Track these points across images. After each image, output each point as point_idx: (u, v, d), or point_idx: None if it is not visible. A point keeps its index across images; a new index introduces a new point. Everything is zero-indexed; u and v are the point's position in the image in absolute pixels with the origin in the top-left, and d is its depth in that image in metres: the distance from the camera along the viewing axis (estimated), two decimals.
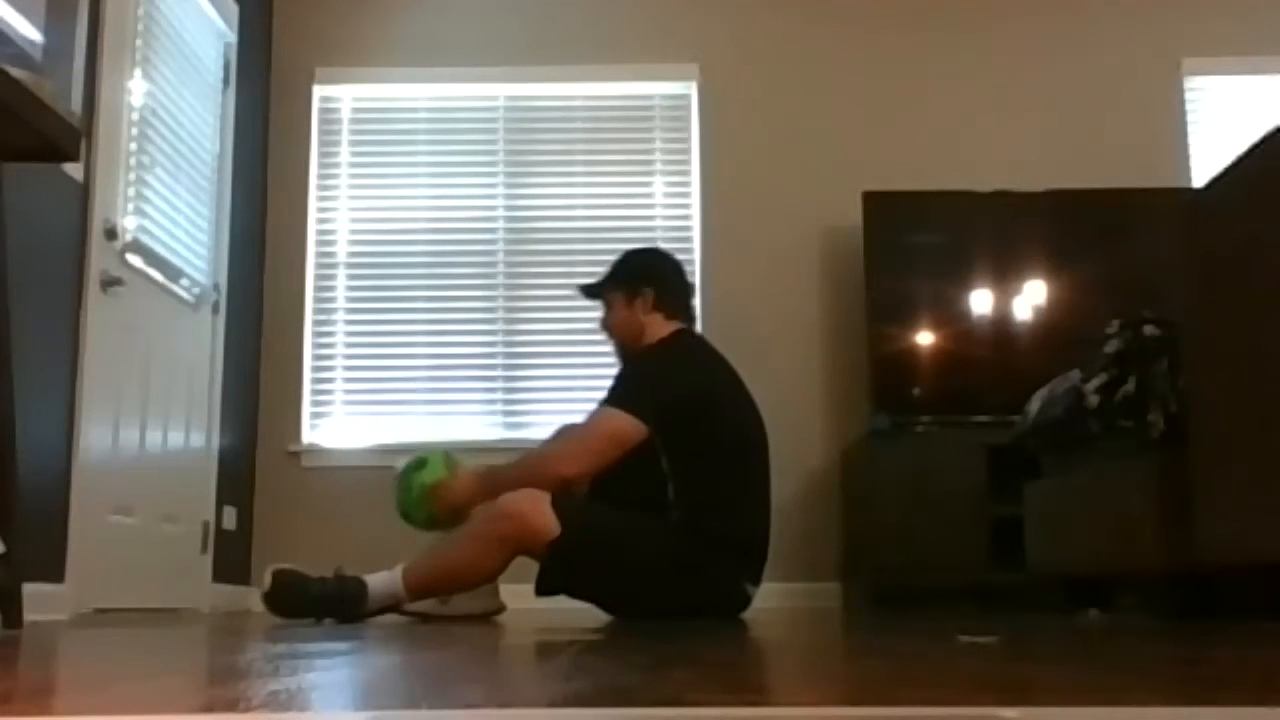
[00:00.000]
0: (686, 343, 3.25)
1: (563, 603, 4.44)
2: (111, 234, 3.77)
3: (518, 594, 3.84)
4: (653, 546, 3.03)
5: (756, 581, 3.12)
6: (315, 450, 5.22)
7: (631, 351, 3.29)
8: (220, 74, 4.87)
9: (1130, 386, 2.89)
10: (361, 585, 2.91)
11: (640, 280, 3.30)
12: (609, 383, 5.50)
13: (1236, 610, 2.77)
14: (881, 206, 5.05)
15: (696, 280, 5.30)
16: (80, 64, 3.56)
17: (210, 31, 4.77)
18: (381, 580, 2.94)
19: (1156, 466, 2.76)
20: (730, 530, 3.06)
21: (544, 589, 2.96)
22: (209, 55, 4.76)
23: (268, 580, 2.90)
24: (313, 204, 5.41)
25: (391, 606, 2.97)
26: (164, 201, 4.28)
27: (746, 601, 3.12)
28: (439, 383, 5.32)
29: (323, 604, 2.89)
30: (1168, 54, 5.50)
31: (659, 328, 3.27)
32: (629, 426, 3.03)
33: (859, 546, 4.79)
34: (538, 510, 2.91)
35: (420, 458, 3.18)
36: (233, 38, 4.93)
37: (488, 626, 2.60)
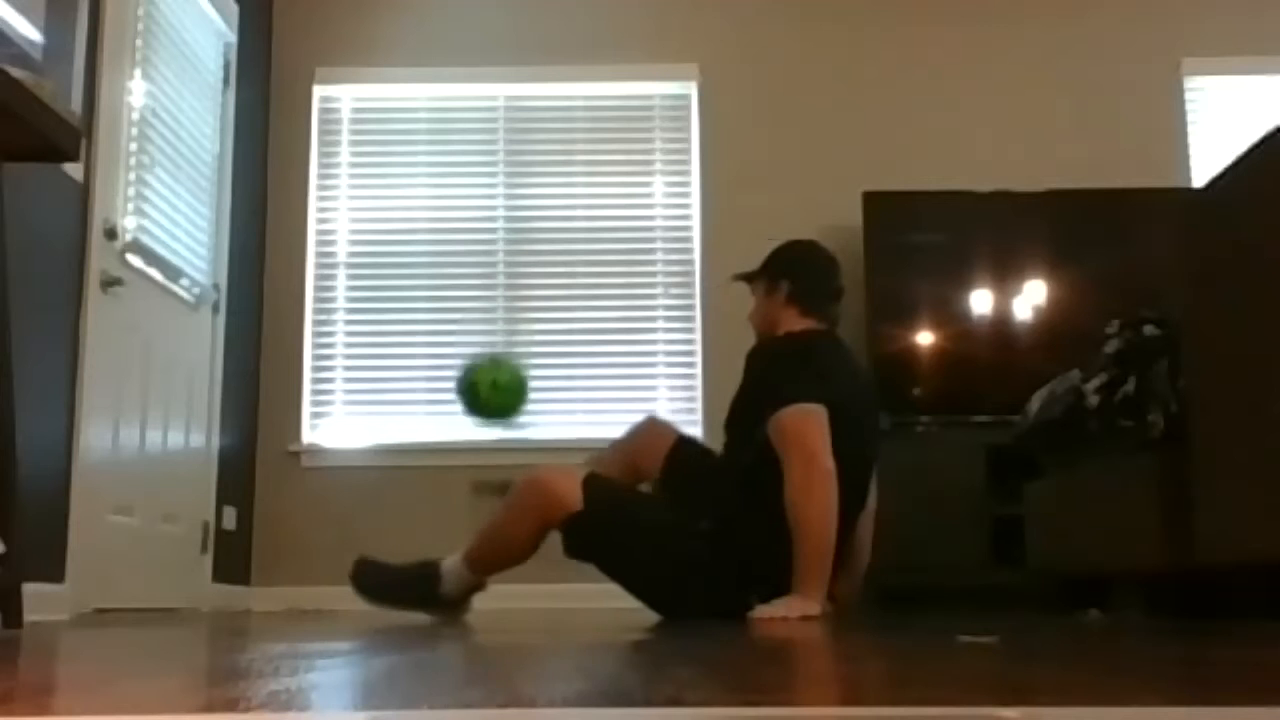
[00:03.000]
0: (819, 346, 3.13)
1: (565, 603, 4.45)
2: (111, 234, 3.77)
3: (522, 594, 3.84)
4: (668, 545, 3.04)
5: (767, 599, 3.01)
6: (315, 450, 5.22)
7: (757, 344, 3.24)
8: (220, 74, 4.87)
9: (1130, 386, 2.89)
10: (435, 563, 3.08)
11: (780, 273, 3.25)
12: (610, 383, 5.49)
13: (1236, 610, 2.77)
14: (881, 206, 5.05)
15: (696, 280, 5.31)
16: (80, 64, 3.56)
17: (210, 31, 4.77)
18: (451, 562, 3.08)
19: (1156, 466, 2.76)
20: (765, 555, 2.98)
21: (567, 552, 3.07)
22: (209, 55, 4.76)
23: (351, 567, 3.13)
24: (313, 204, 5.41)
25: (475, 586, 3.11)
26: (164, 201, 4.28)
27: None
28: (439, 383, 5.31)
29: (404, 582, 3.08)
30: (1168, 54, 5.50)
31: (793, 322, 3.19)
32: (817, 412, 2.93)
33: None
34: (566, 485, 3.00)
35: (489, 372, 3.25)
36: (233, 38, 4.93)
37: (488, 626, 2.60)
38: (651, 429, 3.34)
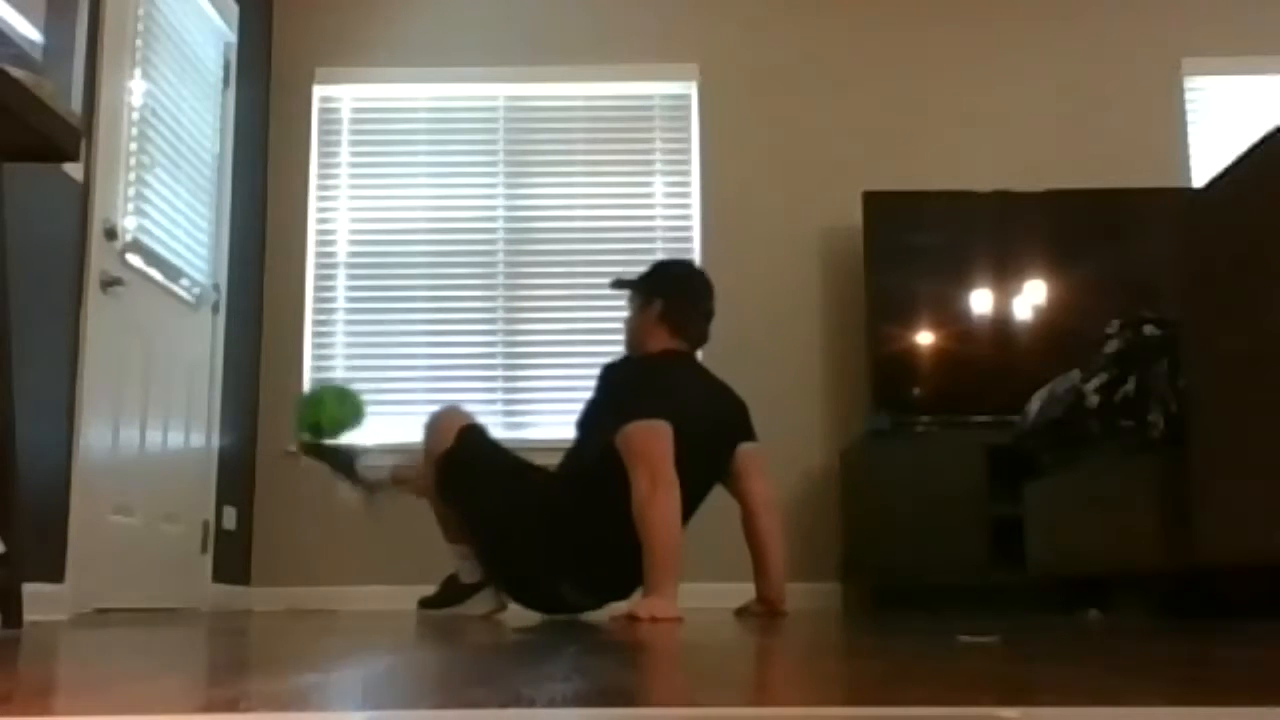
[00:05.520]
0: (666, 364, 3.34)
1: None
2: (111, 234, 3.77)
3: None
4: (504, 501, 3.32)
5: (587, 594, 3.24)
6: None
7: (630, 353, 3.45)
8: (220, 74, 4.87)
9: (1130, 386, 2.89)
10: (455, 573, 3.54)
11: (654, 291, 3.42)
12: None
13: (1236, 610, 2.77)
14: (881, 206, 5.05)
15: None
16: (80, 64, 3.56)
17: (210, 31, 4.77)
18: (454, 558, 3.52)
19: (1156, 466, 2.76)
20: (585, 549, 3.20)
21: (437, 491, 3.44)
22: (209, 55, 4.76)
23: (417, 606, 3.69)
24: (313, 204, 5.41)
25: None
26: (164, 201, 4.28)
27: (563, 605, 3.25)
28: (439, 383, 5.32)
29: (449, 589, 3.56)
30: (1168, 54, 5.50)
31: (659, 340, 3.38)
32: (663, 429, 3.09)
33: (859, 546, 4.79)
34: (448, 427, 3.41)
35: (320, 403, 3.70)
36: (233, 38, 4.93)
37: (488, 626, 2.60)
38: (444, 420, 3.58)
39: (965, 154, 5.40)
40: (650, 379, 3.26)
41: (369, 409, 5.33)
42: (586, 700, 0.85)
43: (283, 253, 5.36)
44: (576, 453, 3.35)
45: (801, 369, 5.25)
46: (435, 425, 3.46)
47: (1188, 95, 5.50)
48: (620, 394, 3.21)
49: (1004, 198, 5.08)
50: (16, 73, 2.29)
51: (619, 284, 3.55)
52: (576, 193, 5.45)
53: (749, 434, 3.43)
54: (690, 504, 3.18)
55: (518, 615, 3.45)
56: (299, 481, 5.19)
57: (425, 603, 3.66)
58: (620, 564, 3.15)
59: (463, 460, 3.36)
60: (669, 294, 3.40)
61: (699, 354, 3.56)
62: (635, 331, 3.45)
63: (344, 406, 3.70)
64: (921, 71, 5.49)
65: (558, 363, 5.33)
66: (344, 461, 3.71)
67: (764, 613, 3.38)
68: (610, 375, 3.28)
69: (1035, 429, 3.40)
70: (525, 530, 3.26)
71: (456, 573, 3.55)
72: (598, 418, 3.24)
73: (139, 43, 4.08)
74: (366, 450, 3.75)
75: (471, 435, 3.40)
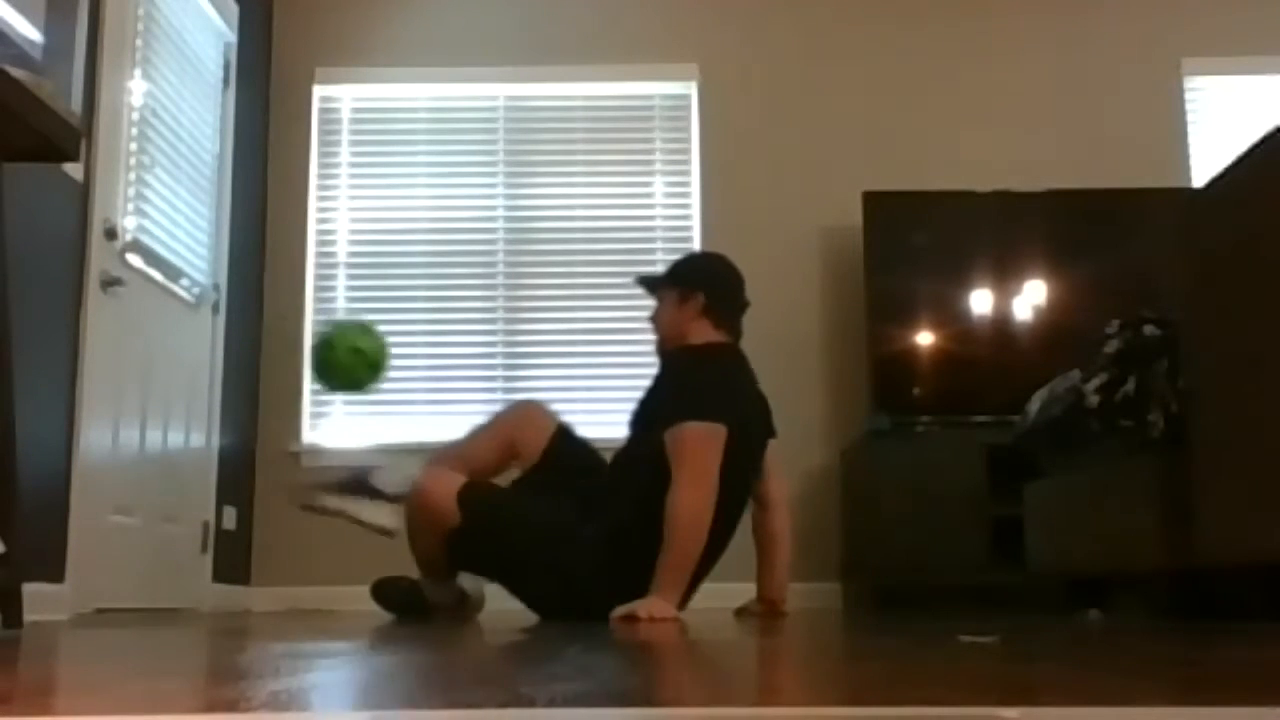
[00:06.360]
0: (728, 361, 3.24)
1: None
2: (111, 234, 3.77)
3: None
4: (552, 554, 3.11)
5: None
6: (315, 450, 5.21)
7: (671, 350, 3.31)
8: (220, 74, 4.87)
9: (1130, 386, 2.89)
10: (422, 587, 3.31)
11: (695, 284, 3.32)
12: (610, 383, 5.49)
13: (1236, 610, 2.77)
14: (881, 206, 5.05)
15: None
16: (80, 64, 3.56)
17: (210, 31, 4.77)
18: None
19: (1156, 466, 2.76)
20: (652, 560, 3.05)
21: (452, 567, 3.23)
22: (209, 55, 4.76)
23: (371, 586, 3.37)
24: (313, 204, 5.41)
25: (452, 586, 3.30)
26: (164, 201, 4.28)
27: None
28: (439, 383, 5.32)
29: (413, 600, 3.30)
30: (1168, 54, 5.50)
31: (704, 333, 3.28)
32: (719, 433, 3.03)
33: (859, 546, 4.79)
34: (443, 501, 3.10)
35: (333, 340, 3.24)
36: (233, 38, 4.93)
37: (487, 626, 2.60)
38: (533, 413, 3.39)
39: (965, 154, 5.40)
40: (716, 375, 3.17)
41: (370, 412, 5.32)
42: (587, 700, 0.85)
43: (283, 253, 5.36)
44: (629, 452, 3.22)
45: (801, 369, 5.25)
46: (424, 507, 3.14)
47: (1188, 95, 5.50)
48: (685, 386, 3.12)
49: (1004, 198, 5.08)
50: (16, 73, 2.29)
51: (650, 281, 3.43)
52: (576, 193, 5.45)
53: (774, 431, 3.39)
54: (735, 508, 3.14)
55: (510, 615, 3.45)
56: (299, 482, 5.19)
57: (384, 596, 3.35)
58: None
59: (484, 535, 3.13)
60: (712, 287, 3.32)
61: None
62: (671, 324, 3.32)
63: (359, 361, 3.16)
64: (921, 71, 5.49)
65: (558, 363, 5.33)
66: (359, 484, 3.29)
67: (764, 612, 3.37)
68: (676, 365, 3.22)
69: (1035, 429, 3.40)
70: (591, 577, 3.08)
71: (422, 587, 3.30)
72: (656, 411, 3.13)
73: (139, 43, 4.08)
74: (375, 465, 3.33)
75: (475, 499, 3.13)
